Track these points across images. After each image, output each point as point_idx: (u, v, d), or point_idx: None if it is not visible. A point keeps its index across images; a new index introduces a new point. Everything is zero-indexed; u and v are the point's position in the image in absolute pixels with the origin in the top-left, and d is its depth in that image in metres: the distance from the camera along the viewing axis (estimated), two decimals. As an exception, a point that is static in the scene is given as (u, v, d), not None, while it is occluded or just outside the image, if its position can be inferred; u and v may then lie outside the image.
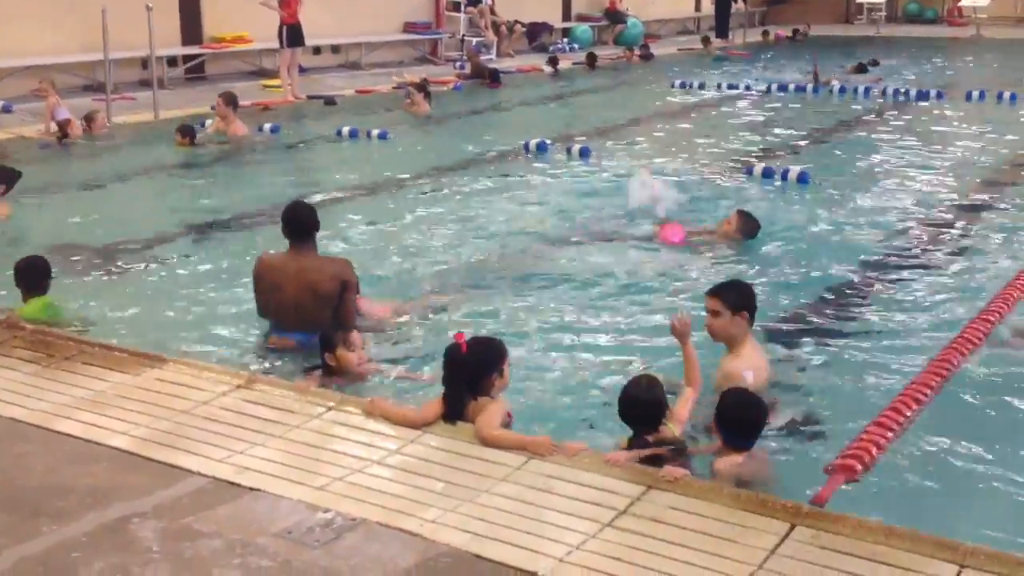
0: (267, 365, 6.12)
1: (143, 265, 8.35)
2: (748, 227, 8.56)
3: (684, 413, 4.99)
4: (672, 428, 4.81)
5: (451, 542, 3.89)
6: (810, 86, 19.08)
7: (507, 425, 4.85)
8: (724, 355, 5.51)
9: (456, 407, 4.91)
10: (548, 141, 13.39)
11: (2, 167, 10.20)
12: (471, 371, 4.93)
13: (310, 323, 6.23)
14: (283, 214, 6.66)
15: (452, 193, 11.02)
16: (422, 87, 16.92)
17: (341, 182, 11.67)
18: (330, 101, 17.17)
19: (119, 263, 8.38)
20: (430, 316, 6.92)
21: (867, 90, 18.62)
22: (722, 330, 5.46)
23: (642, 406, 4.75)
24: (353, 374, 5.81)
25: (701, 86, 19.86)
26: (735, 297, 5.48)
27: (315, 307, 6.34)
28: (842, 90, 18.81)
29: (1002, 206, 10.48)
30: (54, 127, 13.56)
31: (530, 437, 4.69)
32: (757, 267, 8.12)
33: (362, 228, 9.50)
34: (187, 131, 13.27)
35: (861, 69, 20.94)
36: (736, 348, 5.46)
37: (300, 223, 6.53)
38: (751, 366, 5.37)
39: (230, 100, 13.91)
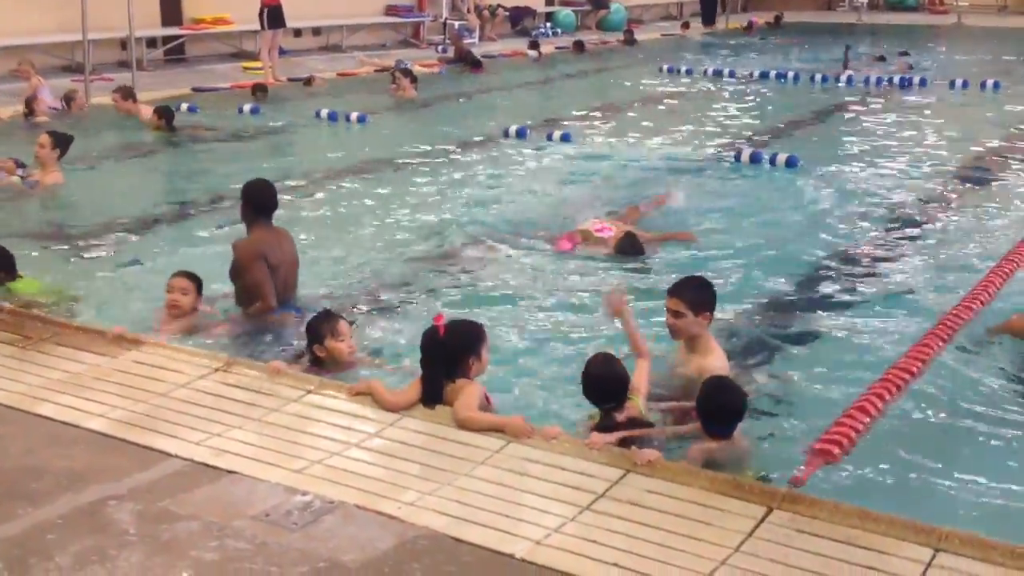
0: (246, 348, 6.09)
1: (120, 246, 8.31)
2: (624, 249, 8.03)
3: (643, 383, 5.04)
4: (636, 401, 4.85)
5: (429, 525, 3.90)
6: (843, 76, 18.78)
7: (486, 408, 4.84)
8: (687, 353, 5.43)
9: (434, 390, 4.90)
10: (528, 126, 13.34)
11: (56, 132, 10.32)
12: (448, 353, 4.93)
13: (293, 293, 6.61)
14: (253, 195, 6.58)
15: (423, 178, 10.98)
16: (408, 71, 16.85)
17: (316, 166, 11.58)
18: (308, 82, 17.05)
19: (96, 244, 8.33)
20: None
21: (850, 78, 18.63)
22: (684, 330, 5.40)
23: (605, 382, 4.78)
24: (343, 364, 5.69)
25: (688, 72, 19.84)
26: (697, 299, 5.37)
27: (295, 276, 6.68)
28: (824, 79, 18.82)
29: (985, 193, 10.53)
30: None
31: (506, 417, 4.70)
32: (738, 250, 8.14)
33: (328, 212, 9.49)
34: (163, 113, 13.11)
35: (881, 59, 20.88)
36: (703, 345, 5.39)
37: (273, 200, 6.61)
38: (725, 362, 5.35)
39: (127, 95, 13.56)
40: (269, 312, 6.38)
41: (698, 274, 5.92)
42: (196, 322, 6.33)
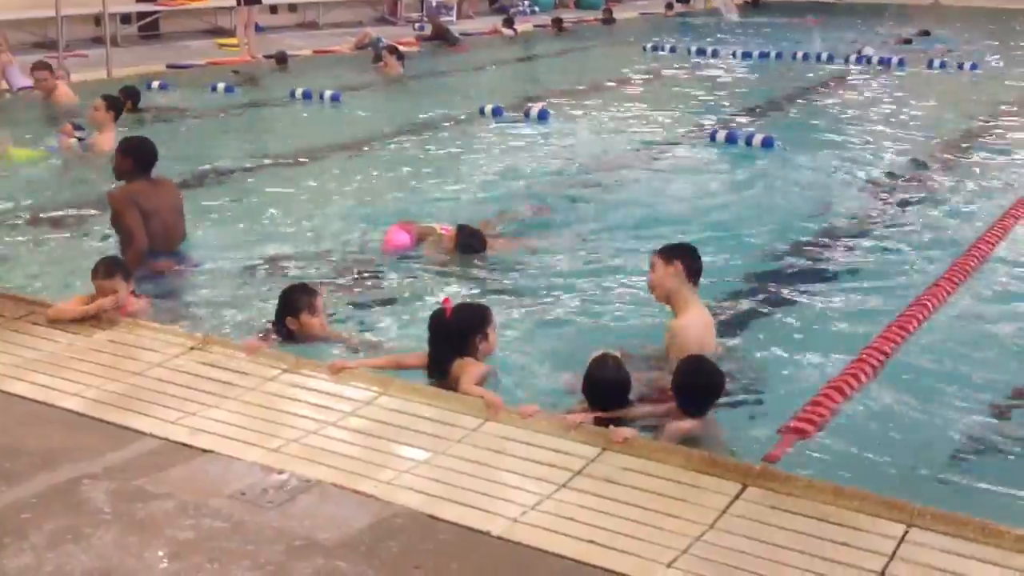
0: (220, 325, 6.05)
1: (87, 227, 8.21)
2: (466, 243, 7.55)
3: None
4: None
5: (406, 503, 3.90)
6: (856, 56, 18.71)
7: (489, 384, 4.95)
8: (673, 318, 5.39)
9: (439, 366, 5.03)
10: (502, 106, 13.27)
11: (110, 95, 10.46)
12: (456, 333, 5.03)
13: (177, 241, 7.18)
14: (134, 151, 7.10)
15: (395, 158, 10.90)
16: (394, 49, 16.76)
17: (287, 145, 11.42)
18: (282, 59, 16.86)
19: (65, 225, 8.25)
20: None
21: (831, 56, 18.64)
22: (660, 284, 5.31)
23: (613, 386, 4.79)
24: (315, 339, 5.64)
25: (672, 49, 19.80)
26: (670, 250, 5.36)
27: (181, 225, 7.21)
28: (805, 56, 18.82)
29: (961, 174, 10.55)
30: (3, 84, 13.22)
31: (487, 392, 4.77)
32: (712, 230, 8.13)
33: (293, 190, 9.46)
34: (129, 94, 12.71)
35: (907, 42, 20.85)
36: (680, 303, 5.32)
37: (152, 156, 7.14)
38: (700, 323, 5.31)
39: (42, 68, 12.68)
40: (141, 254, 6.77)
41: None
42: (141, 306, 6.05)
